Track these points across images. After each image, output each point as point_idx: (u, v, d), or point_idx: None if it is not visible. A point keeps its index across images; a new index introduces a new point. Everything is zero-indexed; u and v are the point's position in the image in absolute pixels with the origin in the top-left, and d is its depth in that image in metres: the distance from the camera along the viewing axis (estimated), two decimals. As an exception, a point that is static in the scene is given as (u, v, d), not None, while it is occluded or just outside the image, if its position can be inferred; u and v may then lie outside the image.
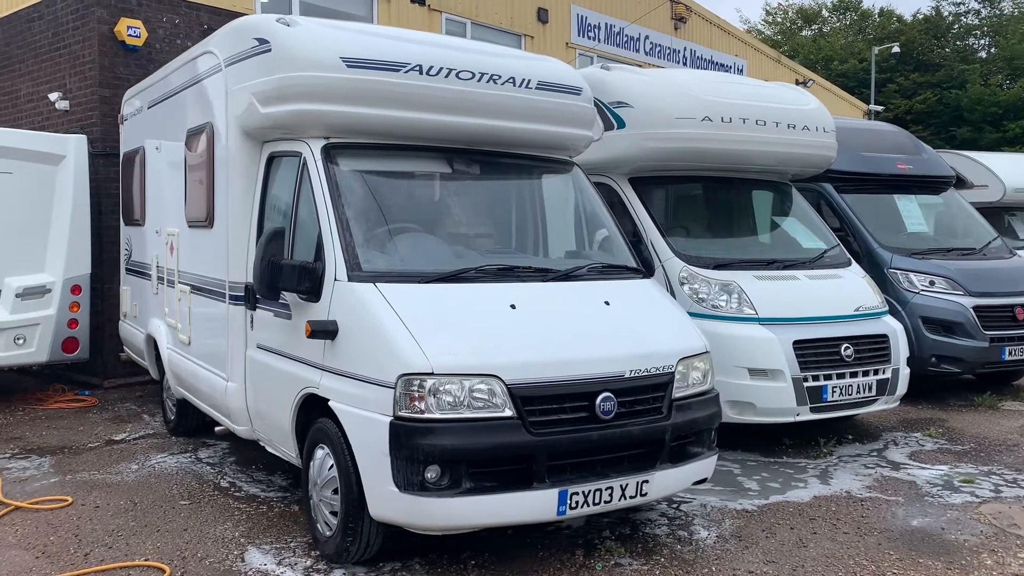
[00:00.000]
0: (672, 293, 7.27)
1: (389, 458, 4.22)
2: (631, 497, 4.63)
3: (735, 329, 7.00)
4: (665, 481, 4.79)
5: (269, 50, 5.30)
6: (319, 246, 4.87)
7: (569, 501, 4.41)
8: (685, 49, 18.76)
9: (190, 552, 4.96)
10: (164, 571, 4.67)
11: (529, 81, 5.66)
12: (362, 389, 4.41)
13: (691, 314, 6.81)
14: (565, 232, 6.04)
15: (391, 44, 5.27)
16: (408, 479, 4.19)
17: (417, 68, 5.24)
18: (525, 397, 4.35)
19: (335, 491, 4.63)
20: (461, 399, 4.26)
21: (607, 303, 5.02)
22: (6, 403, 9.13)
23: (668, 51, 18.33)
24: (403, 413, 4.21)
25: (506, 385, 4.31)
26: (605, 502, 4.53)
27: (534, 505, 4.35)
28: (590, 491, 4.47)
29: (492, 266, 5.03)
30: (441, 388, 4.23)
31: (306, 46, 5.12)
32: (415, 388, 4.21)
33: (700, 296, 7.16)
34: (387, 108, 5.19)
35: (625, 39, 17.25)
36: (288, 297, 5.05)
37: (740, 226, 8.42)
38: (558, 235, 5.99)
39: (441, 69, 5.30)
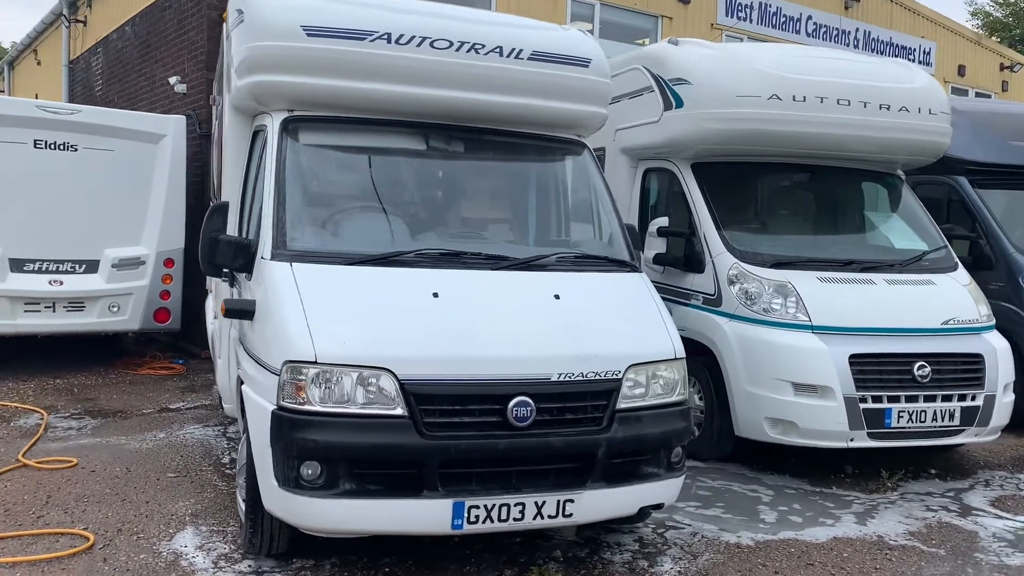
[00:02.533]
0: (720, 294, 6.50)
1: (270, 450, 3.96)
2: (550, 517, 4.08)
3: (780, 337, 6.14)
4: (597, 503, 4.19)
5: (243, 21, 5.15)
6: (259, 222, 4.67)
7: (467, 515, 3.94)
8: (857, 31, 17.09)
9: (130, 526, 4.93)
10: (88, 539, 4.67)
11: (520, 51, 5.15)
12: (260, 374, 4.18)
13: (736, 318, 6.11)
14: (555, 218, 5.48)
15: (358, 11, 4.95)
16: (285, 474, 3.90)
17: (385, 36, 4.89)
18: (420, 395, 3.93)
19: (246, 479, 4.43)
20: (349, 392, 3.90)
21: (557, 297, 4.47)
22: (108, 365, 9.75)
23: (836, 32, 16.78)
24: (285, 403, 3.91)
25: (399, 380, 3.90)
26: (515, 519, 4.01)
27: (423, 516, 3.92)
28: (494, 506, 3.97)
29: (433, 250, 4.61)
30: (325, 379, 3.89)
31: (269, 16, 4.91)
32: (300, 377, 3.90)
33: (751, 297, 6.33)
34: (351, 79, 4.88)
35: (783, 19, 15.96)
36: (239, 275, 4.90)
37: (820, 221, 7.43)
38: (546, 221, 5.45)
39: (413, 38, 4.92)
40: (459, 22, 5.11)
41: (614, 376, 4.25)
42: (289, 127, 4.92)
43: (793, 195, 7.50)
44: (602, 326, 4.44)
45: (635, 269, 5.01)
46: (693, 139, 6.92)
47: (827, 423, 5.96)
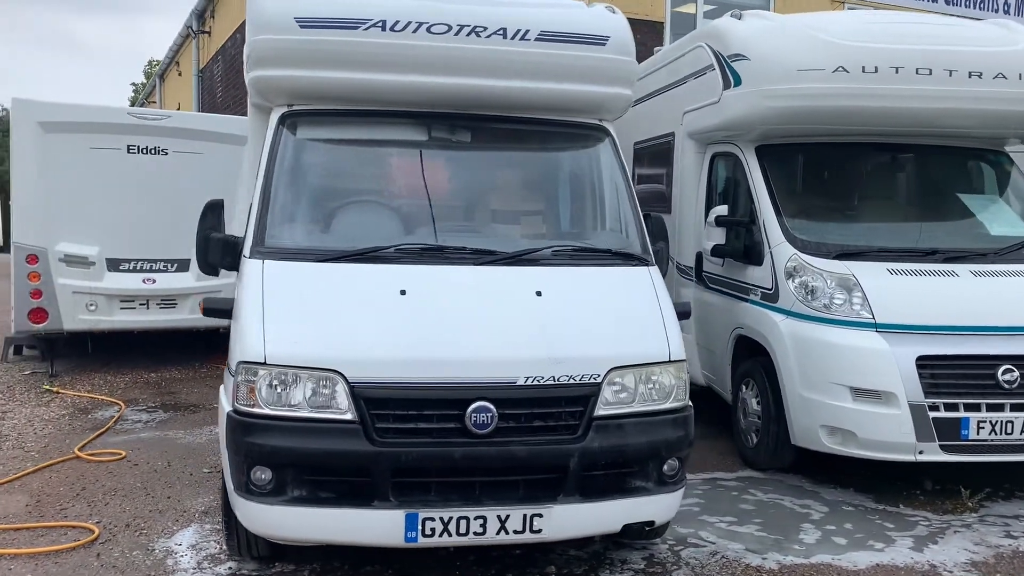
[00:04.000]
0: (777, 288, 5.93)
1: (228, 453, 3.86)
2: (516, 532, 3.76)
3: (838, 336, 5.51)
4: (571, 519, 3.83)
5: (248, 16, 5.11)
6: (249, 219, 4.60)
7: (421, 527, 3.69)
8: (1006, -7, 15.46)
9: (139, 521, 5.00)
10: (93, 533, 4.76)
11: (526, 32, 4.83)
12: (226, 375, 4.10)
13: (793, 315, 5.58)
14: (563, 209, 5.11)
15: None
16: (238, 479, 3.80)
17: (379, 24, 4.69)
18: (372, 399, 3.71)
19: (231, 480, 4.37)
20: (299, 396, 3.74)
21: (539, 294, 4.14)
22: (203, 360, 10.12)
23: (982, -2, 15.24)
24: (239, 405, 3.80)
25: (348, 383, 3.70)
26: (475, 534, 3.73)
27: (374, 526, 3.70)
28: (451, 518, 3.70)
29: (414, 246, 4.38)
30: (275, 381, 3.74)
31: (264, 9, 4.81)
32: (252, 379, 3.78)
33: (811, 292, 5.71)
34: (347, 70, 4.72)
35: (915, -13, 14.62)
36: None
37: (901, 206, 6.64)
38: (552, 213, 5.09)
39: (409, 23, 4.71)
40: (459, 4, 4.84)
41: (592, 380, 3.88)
42: (286, 121, 4.82)
43: (871, 178, 6.74)
44: (584, 326, 4.07)
45: (645, 263, 4.58)
46: (752, 119, 6.35)
47: (890, 433, 5.30)
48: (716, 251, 6.57)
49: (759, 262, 6.21)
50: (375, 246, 4.31)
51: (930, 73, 5.98)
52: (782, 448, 5.90)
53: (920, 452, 5.30)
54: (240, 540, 4.24)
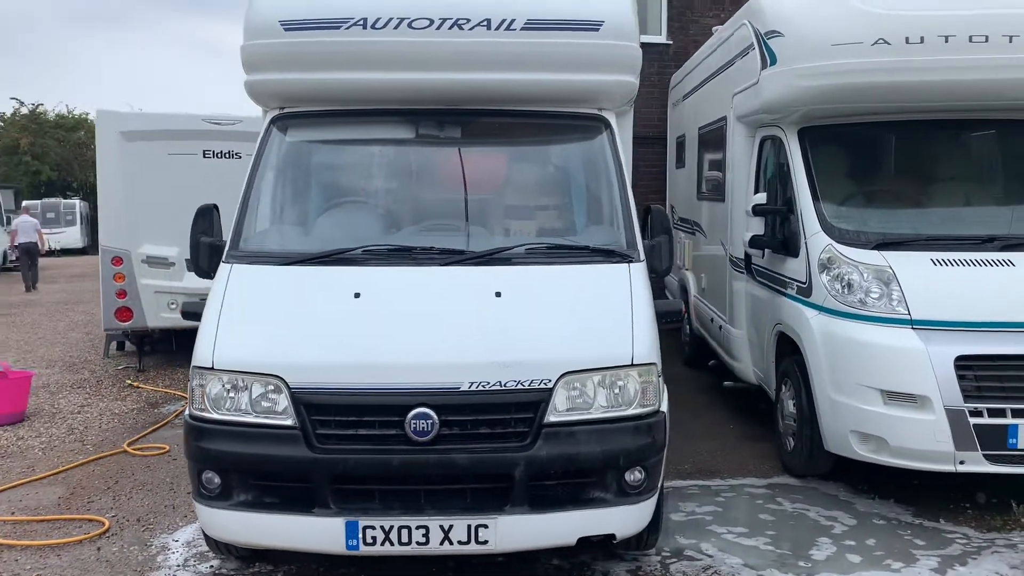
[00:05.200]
0: (810, 281, 5.51)
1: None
2: (460, 543, 3.63)
3: (870, 334, 5.05)
4: (520, 530, 3.66)
5: (247, 20, 5.17)
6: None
7: (362, 535, 3.62)
8: None
9: (152, 515, 5.19)
10: (103, 526, 4.97)
11: (512, 21, 4.67)
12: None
13: (825, 311, 5.21)
14: (550, 205, 4.90)
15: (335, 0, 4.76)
16: (193, 482, 3.86)
17: (360, 22, 4.66)
18: (313, 405, 3.67)
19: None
20: (246, 400, 3.75)
21: (498, 295, 3.98)
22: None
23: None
24: (193, 410, 3.86)
25: (289, 389, 3.68)
26: (418, 543, 3.62)
27: (315, 533, 3.67)
28: (392, 527, 3.62)
29: (381, 247, 4.31)
30: (221, 385, 3.77)
31: (252, 14, 4.85)
32: (202, 383, 3.82)
33: (848, 286, 5.26)
34: (331, 70, 4.72)
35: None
36: None
37: (957, 189, 6.00)
38: (539, 209, 4.88)
39: (390, 20, 4.64)
40: None
41: (542, 386, 3.69)
42: (277, 125, 4.88)
43: (925, 159, 6.13)
44: (541, 328, 3.88)
45: (628, 259, 4.33)
46: (788, 101, 5.92)
47: (924, 440, 4.82)
48: (754, 242, 6.19)
49: (796, 253, 5.79)
50: (340, 248, 4.28)
51: (986, 40, 5.37)
52: (817, 453, 5.48)
53: (961, 462, 4.79)
54: (212, 541, 4.31)
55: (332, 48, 4.66)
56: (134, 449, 6.58)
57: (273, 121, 4.88)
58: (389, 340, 3.79)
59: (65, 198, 38.13)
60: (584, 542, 3.79)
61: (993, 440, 4.74)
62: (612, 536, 3.82)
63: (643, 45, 11.54)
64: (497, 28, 4.66)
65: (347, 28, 4.65)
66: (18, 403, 7.54)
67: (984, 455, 4.76)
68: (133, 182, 9.40)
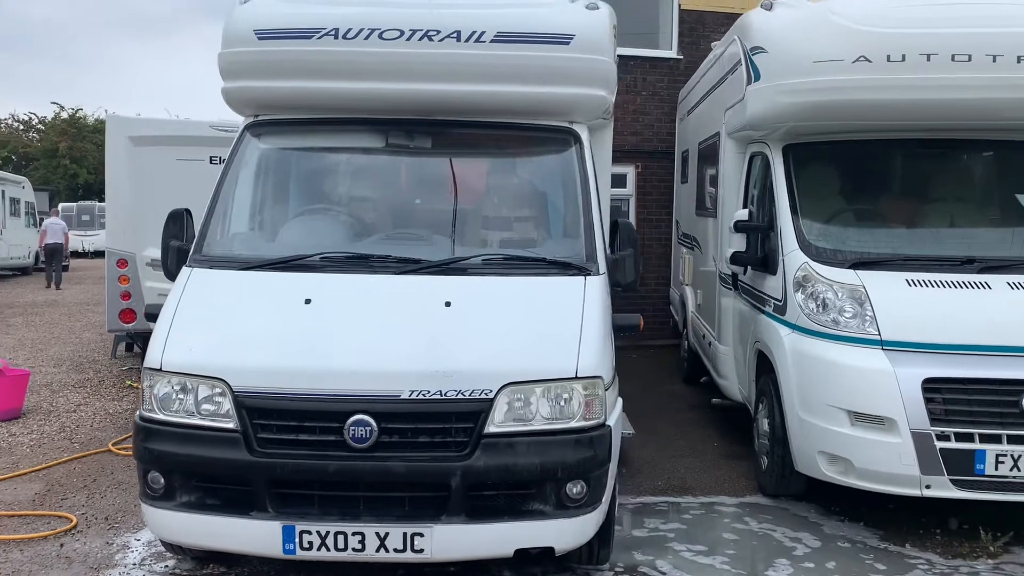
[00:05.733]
0: (785, 300, 5.46)
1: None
2: (396, 551, 3.64)
3: (838, 354, 5.00)
4: (456, 540, 3.66)
5: (226, 29, 5.26)
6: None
7: (299, 540, 3.64)
8: None
9: (119, 515, 5.25)
10: (70, 522, 5.05)
11: (481, 34, 4.71)
12: None
13: (798, 330, 5.17)
14: (513, 217, 4.91)
15: (309, 9, 4.82)
16: (140, 482, 3.91)
17: (332, 33, 4.73)
18: (255, 408, 3.71)
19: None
20: (192, 402, 3.80)
21: (447, 304, 4.00)
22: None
23: None
24: (143, 411, 3.92)
25: (232, 392, 3.72)
26: (354, 550, 3.64)
27: (253, 536, 3.70)
28: (328, 533, 3.63)
29: (339, 254, 4.35)
30: (167, 387, 3.83)
31: (229, 23, 4.95)
32: (151, 384, 3.88)
33: (822, 305, 5.19)
34: (303, 79, 4.79)
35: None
36: None
37: (940, 209, 5.91)
38: (501, 220, 4.89)
39: (361, 31, 4.71)
40: (412, 9, 4.78)
41: (483, 396, 3.70)
42: (249, 132, 4.95)
43: (908, 178, 6.06)
44: (486, 339, 3.88)
45: (585, 272, 4.33)
46: (771, 117, 5.89)
47: (889, 463, 4.74)
48: (735, 258, 6.14)
49: (774, 271, 5.74)
50: (298, 255, 4.33)
51: (969, 59, 5.30)
52: (789, 474, 5.41)
53: (927, 487, 4.71)
54: (167, 542, 4.35)
55: (304, 57, 4.74)
56: (118, 449, 6.67)
57: (246, 128, 4.96)
58: (332, 346, 3.82)
59: (100, 201, 38.89)
60: (523, 554, 3.78)
61: (960, 465, 4.66)
62: (551, 549, 3.80)
63: (654, 60, 11.64)
64: (467, 40, 4.70)
65: (319, 38, 4.72)
66: (15, 400, 7.69)
67: (951, 480, 4.67)
68: (140, 186, 9.55)
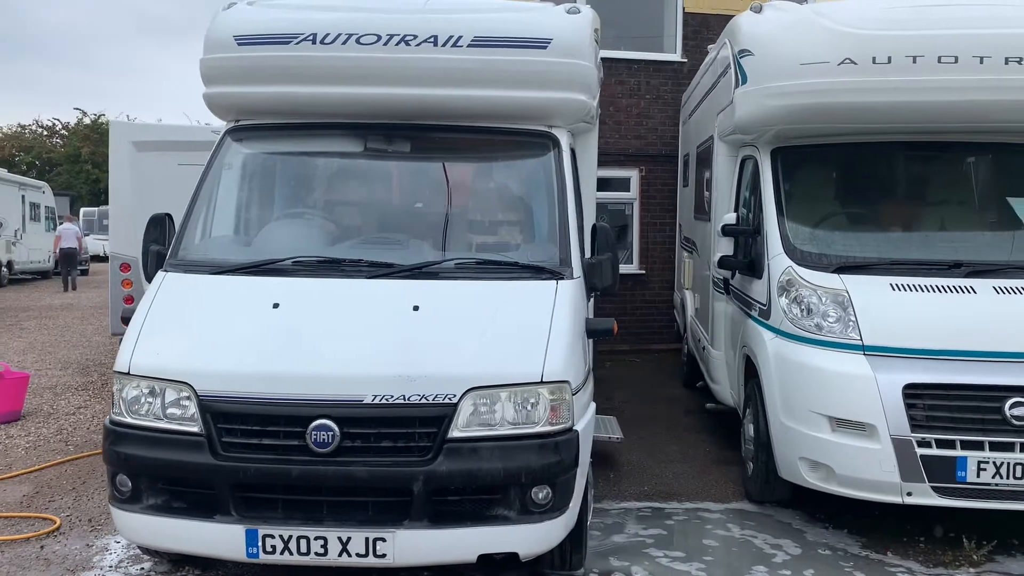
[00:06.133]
0: (770, 304, 5.41)
1: (105, 460, 4.02)
2: (359, 556, 3.64)
3: (819, 359, 4.95)
4: (418, 545, 3.66)
5: (210, 35, 5.30)
6: None
7: (262, 544, 3.66)
8: None
9: (101, 517, 5.25)
10: (54, 524, 5.10)
11: (459, 38, 4.72)
12: None
13: (781, 334, 5.14)
14: (489, 221, 4.89)
15: (287, 15, 4.86)
16: (109, 485, 3.94)
17: (310, 38, 4.75)
18: (219, 412, 3.73)
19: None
20: (158, 406, 3.82)
21: (415, 308, 4.00)
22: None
23: None
24: (112, 415, 3.95)
25: (197, 395, 3.74)
26: (317, 554, 3.65)
27: (217, 540, 3.71)
28: (291, 537, 3.65)
29: (311, 258, 4.37)
30: (135, 391, 3.86)
31: (210, 29, 4.99)
32: (120, 387, 3.91)
33: (807, 310, 5.14)
34: (282, 84, 4.81)
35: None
36: None
37: (929, 212, 5.84)
38: (477, 225, 4.88)
39: (338, 36, 4.73)
40: (390, 14, 4.80)
41: (446, 401, 3.69)
42: (228, 137, 4.98)
43: (897, 181, 5.99)
44: (451, 343, 3.88)
45: (558, 276, 4.31)
46: (758, 120, 5.84)
47: (869, 470, 4.69)
48: (722, 262, 6.11)
49: (760, 275, 5.70)
50: (270, 259, 4.35)
51: (956, 61, 5.23)
52: (773, 480, 5.36)
53: (908, 494, 4.65)
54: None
55: (282, 62, 4.76)
56: (111, 451, 6.71)
57: (226, 132, 4.99)
58: (296, 351, 3.83)
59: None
60: (487, 560, 3.77)
61: (941, 472, 4.59)
62: (515, 555, 3.79)
63: (657, 63, 11.58)
64: (444, 44, 4.71)
65: (297, 43, 4.75)
66: (14, 403, 7.78)
67: (932, 487, 4.61)
68: (143, 191, 9.62)
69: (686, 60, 11.57)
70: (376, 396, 3.68)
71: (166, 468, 3.77)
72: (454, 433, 3.70)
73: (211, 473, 3.69)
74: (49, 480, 6.03)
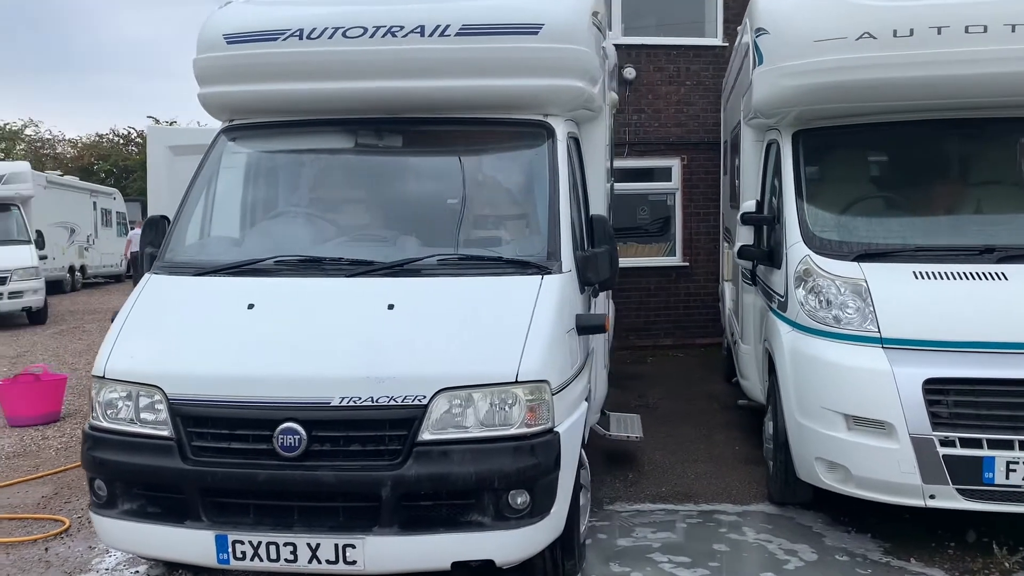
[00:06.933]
0: (787, 295, 5.14)
1: (85, 464, 4.02)
2: (329, 562, 3.53)
3: (834, 353, 4.66)
4: (389, 552, 3.53)
5: (205, 34, 5.27)
6: None
7: (232, 550, 3.58)
8: None
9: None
10: (63, 525, 5.15)
11: (446, 27, 4.57)
12: None
13: (798, 327, 4.88)
14: (478, 215, 4.71)
15: (275, 11, 4.78)
16: (88, 490, 3.93)
17: (297, 33, 4.67)
18: (189, 416, 3.67)
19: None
20: (132, 410, 3.79)
21: (391, 307, 3.87)
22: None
23: None
24: (91, 419, 3.94)
25: (168, 399, 3.69)
26: (287, 561, 3.55)
27: (188, 545, 3.66)
28: (260, 543, 3.56)
29: (291, 258, 4.28)
30: (110, 395, 3.83)
31: (204, 28, 4.95)
32: (97, 392, 3.89)
33: (822, 301, 4.85)
34: (271, 82, 4.75)
35: None
36: None
37: (960, 195, 5.44)
38: (466, 219, 4.67)
39: (325, 30, 4.64)
40: (376, 5, 4.69)
41: (416, 402, 3.56)
42: (221, 137, 4.95)
43: (925, 163, 5.58)
44: (424, 342, 3.74)
45: (545, 271, 4.13)
46: (775, 102, 5.54)
47: (887, 471, 4.39)
48: (742, 252, 5.83)
49: (779, 265, 5.41)
50: (252, 259, 4.28)
51: (985, 31, 4.86)
52: (792, 481, 5.08)
53: (931, 496, 4.33)
54: (138, 546, 4.37)
55: (270, 59, 4.69)
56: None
57: (219, 133, 4.95)
58: (265, 353, 3.75)
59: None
60: (462, 567, 3.63)
61: (966, 473, 4.26)
62: (490, 562, 3.63)
63: (697, 48, 11.26)
64: (431, 35, 4.57)
65: (284, 40, 4.67)
66: (52, 404, 7.96)
67: (957, 489, 4.28)
68: (178, 193, 9.71)
69: (727, 44, 11.18)
70: (344, 398, 3.57)
71: (139, 473, 3.74)
72: (424, 436, 3.56)
73: (181, 478, 3.64)
74: (70, 481, 6.12)
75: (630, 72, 11.00)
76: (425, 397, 3.56)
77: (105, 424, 3.83)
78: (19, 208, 16.55)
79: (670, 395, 8.61)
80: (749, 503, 5.41)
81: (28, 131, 37.82)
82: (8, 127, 36.90)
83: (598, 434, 6.08)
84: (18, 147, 37.57)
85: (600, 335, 5.57)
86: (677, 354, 10.86)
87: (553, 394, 3.72)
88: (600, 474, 6.04)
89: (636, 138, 11.25)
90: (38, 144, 39.25)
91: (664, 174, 11.45)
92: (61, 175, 24.79)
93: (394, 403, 3.56)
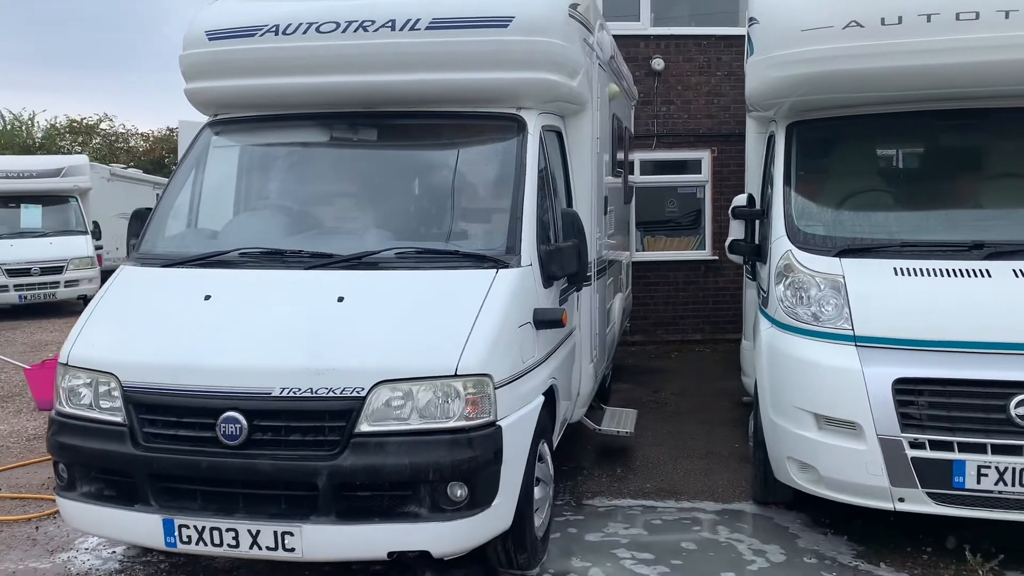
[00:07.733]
0: (769, 291, 5.03)
1: (52, 449, 4.17)
2: (269, 549, 3.61)
3: (807, 351, 4.55)
4: (326, 540, 3.59)
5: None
6: None
7: (178, 534, 3.69)
8: None
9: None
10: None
11: (416, 21, 4.61)
12: None
13: (776, 324, 4.81)
14: (444, 209, 4.72)
15: (254, 7, 4.88)
16: (54, 473, 4.08)
17: (272, 29, 4.77)
18: (140, 403, 3.79)
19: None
20: (91, 396, 3.93)
21: (340, 299, 3.92)
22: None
23: None
24: (57, 405, 4.09)
25: (122, 386, 3.81)
26: (229, 546, 3.64)
27: (137, 527, 3.78)
28: (204, 528, 3.66)
29: (255, 250, 4.36)
30: (73, 381, 3.98)
31: (190, 26, 5.08)
32: (61, 378, 4.04)
33: (800, 297, 4.74)
34: (250, 77, 4.86)
35: None
36: None
37: (951, 188, 5.23)
38: (431, 213, 4.72)
39: (300, 25, 4.72)
40: (350, 1, 4.74)
41: (355, 394, 3.60)
42: (203, 132, 5.08)
43: (918, 156, 5.41)
44: (367, 334, 3.78)
45: (501, 265, 4.13)
46: (764, 93, 5.43)
47: (855, 473, 4.27)
48: (732, 247, 5.72)
49: (764, 260, 5.30)
50: (217, 251, 4.39)
51: (977, 17, 4.66)
52: (772, 481, 4.97)
53: (900, 500, 4.21)
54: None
55: (248, 55, 4.79)
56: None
57: (203, 127, 5.07)
58: (213, 343, 3.85)
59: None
60: (400, 557, 3.67)
61: (935, 477, 4.12)
62: (427, 553, 3.66)
63: (728, 38, 11.08)
64: (402, 29, 4.61)
65: (261, 35, 4.77)
66: (78, 389, 8.24)
67: (927, 493, 4.15)
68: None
69: (760, 34, 10.94)
70: (284, 389, 3.64)
71: (95, 457, 3.87)
72: (362, 427, 3.61)
73: (131, 463, 3.76)
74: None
75: (658, 63, 10.87)
76: (363, 389, 3.61)
77: (68, 409, 3.98)
78: (77, 200, 17.16)
79: (684, 391, 8.51)
80: (731, 502, 5.33)
81: (103, 125, 39.08)
82: (85, 121, 38.18)
83: (588, 428, 6.08)
84: (94, 141, 38.87)
85: (604, 332, 5.55)
86: (704, 350, 10.72)
87: (497, 388, 3.73)
88: (590, 468, 6.03)
89: (665, 130, 11.12)
90: (112, 138, 40.58)
91: (694, 166, 11.29)
92: (125, 167, 25.52)
93: (332, 395, 3.61)
